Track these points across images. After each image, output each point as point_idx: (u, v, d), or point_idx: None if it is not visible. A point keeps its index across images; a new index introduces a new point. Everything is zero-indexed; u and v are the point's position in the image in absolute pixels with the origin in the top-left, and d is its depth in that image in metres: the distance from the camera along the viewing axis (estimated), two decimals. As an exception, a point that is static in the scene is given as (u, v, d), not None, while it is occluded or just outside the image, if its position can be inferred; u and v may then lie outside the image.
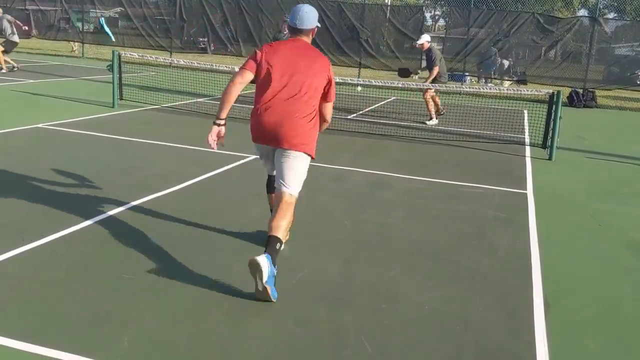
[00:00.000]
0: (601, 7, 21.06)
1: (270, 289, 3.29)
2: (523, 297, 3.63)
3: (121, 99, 10.43)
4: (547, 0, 29.51)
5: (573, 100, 15.83)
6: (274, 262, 3.37)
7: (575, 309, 3.55)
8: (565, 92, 14.66)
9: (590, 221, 5.40)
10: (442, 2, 37.53)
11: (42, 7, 24.90)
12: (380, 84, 10.07)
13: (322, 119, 3.96)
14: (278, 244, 3.47)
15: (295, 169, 3.73)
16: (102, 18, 23.44)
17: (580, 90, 16.09)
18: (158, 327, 2.99)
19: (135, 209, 4.82)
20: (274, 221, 3.56)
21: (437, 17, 49.59)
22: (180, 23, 21.44)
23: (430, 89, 10.44)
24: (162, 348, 2.80)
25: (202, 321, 3.07)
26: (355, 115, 11.16)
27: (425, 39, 11.09)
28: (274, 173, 3.92)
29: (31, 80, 13.54)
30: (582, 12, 32.05)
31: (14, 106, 9.62)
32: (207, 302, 3.30)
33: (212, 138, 3.98)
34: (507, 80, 19.21)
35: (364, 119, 10.65)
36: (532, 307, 3.49)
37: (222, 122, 3.94)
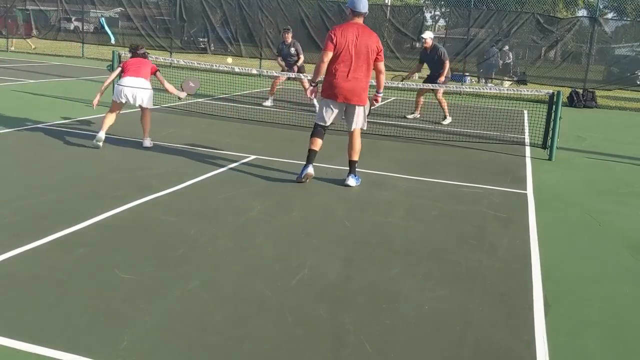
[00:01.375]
0: (601, 7, 21.04)
1: (358, 182, 5.94)
2: (523, 297, 3.63)
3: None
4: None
5: (573, 101, 15.82)
6: (355, 174, 5.92)
7: (575, 309, 3.55)
8: (565, 92, 14.66)
9: (590, 221, 5.40)
10: (442, 3, 37.52)
11: (42, 7, 24.91)
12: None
13: (379, 72, 5.83)
14: (355, 164, 5.90)
15: (361, 115, 5.84)
16: (103, 18, 23.46)
17: (580, 91, 16.08)
18: (158, 327, 2.99)
19: (135, 209, 4.82)
20: (351, 151, 5.89)
21: (437, 17, 49.59)
22: (181, 23, 21.44)
23: (441, 89, 10.62)
24: (162, 348, 2.80)
25: (202, 321, 3.08)
26: (355, 115, 11.15)
27: (430, 35, 11.05)
28: (327, 124, 5.85)
29: (31, 80, 13.54)
30: (582, 12, 32.04)
31: (14, 106, 9.62)
32: (207, 302, 3.30)
33: (311, 95, 6.12)
34: (507, 80, 19.21)
35: (364, 119, 10.65)
36: (532, 307, 3.50)
37: (315, 85, 5.97)
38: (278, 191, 5.67)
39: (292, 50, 11.56)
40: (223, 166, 6.44)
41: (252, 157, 6.99)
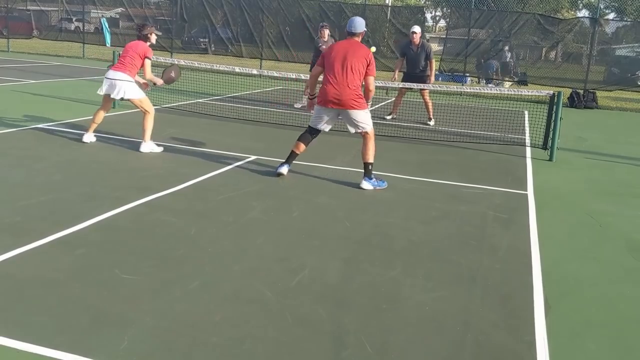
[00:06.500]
0: (602, 7, 21.03)
1: (379, 186, 5.95)
2: (523, 298, 3.63)
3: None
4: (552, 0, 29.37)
5: (574, 101, 15.82)
6: (370, 177, 5.94)
7: (575, 310, 3.55)
8: (566, 92, 14.64)
9: (590, 222, 5.39)
10: (443, 3, 37.54)
11: (43, 8, 24.91)
12: (381, 84, 10.05)
13: (367, 88, 5.94)
14: (370, 166, 5.94)
15: (361, 119, 5.88)
16: (104, 19, 23.48)
17: (581, 91, 16.07)
18: (158, 327, 2.99)
19: (135, 209, 4.82)
20: (365, 153, 5.95)
21: (437, 18, 49.59)
22: (181, 23, 21.45)
23: (427, 89, 10.34)
24: (162, 348, 2.80)
25: (203, 321, 3.07)
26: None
27: (419, 30, 10.54)
28: (318, 127, 6.08)
29: (32, 81, 13.55)
30: (583, 13, 32.04)
31: (15, 106, 9.62)
32: (207, 302, 3.30)
33: (310, 109, 6.36)
34: (508, 80, 19.20)
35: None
36: (532, 308, 3.49)
37: (313, 97, 6.20)
38: (278, 191, 5.67)
39: None
40: (223, 166, 6.44)
41: (253, 157, 6.99)
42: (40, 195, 5.00)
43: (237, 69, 10.39)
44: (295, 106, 11.70)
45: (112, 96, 6.94)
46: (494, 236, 4.77)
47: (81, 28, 24.19)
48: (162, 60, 12.33)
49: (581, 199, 6.22)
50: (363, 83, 5.92)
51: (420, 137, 9.21)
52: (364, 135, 5.97)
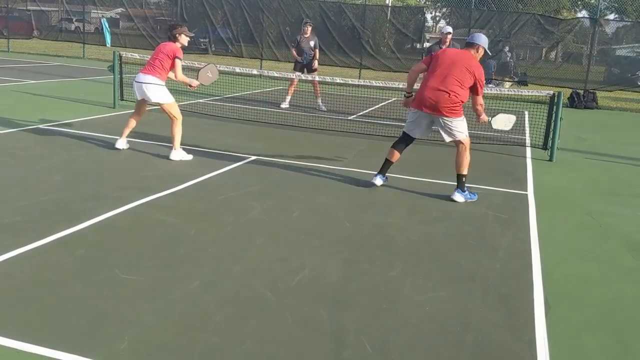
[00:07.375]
0: (602, 7, 21.04)
1: (470, 198, 5.68)
2: (523, 298, 3.63)
3: (122, 99, 10.43)
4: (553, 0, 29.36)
5: (574, 101, 15.82)
6: (463, 189, 5.68)
7: (575, 310, 3.55)
8: (566, 93, 14.63)
9: (590, 222, 5.39)
10: (443, 3, 37.52)
11: (43, 8, 24.91)
12: (381, 84, 10.05)
13: (473, 107, 5.85)
14: (464, 178, 5.69)
15: (454, 126, 5.65)
16: (104, 19, 23.50)
17: (581, 91, 16.07)
18: (158, 327, 2.99)
19: (135, 209, 4.82)
20: (458, 163, 5.70)
21: (437, 18, 49.57)
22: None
23: None
24: (162, 348, 2.80)
25: (203, 321, 3.07)
26: (355, 116, 11.16)
27: (451, 29, 10.18)
28: (412, 135, 5.89)
29: (32, 81, 13.55)
30: (583, 13, 32.05)
31: (15, 107, 9.62)
32: (208, 302, 3.30)
33: (405, 104, 6.10)
34: (508, 81, 19.20)
35: (364, 120, 10.65)
36: (532, 308, 3.49)
37: (409, 94, 6.00)
38: (278, 192, 5.67)
39: (312, 43, 11.40)
40: (223, 166, 6.44)
41: (253, 157, 6.99)
42: (40, 195, 5.00)
43: (237, 69, 10.39)
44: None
45: (142, 99, 6.71)
46: (494, 236, 4.77)
47: (81, 28, 24.22)
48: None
49: (581, 199, 6.22)
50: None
51: (421, 138, 9.18)
52: (457, 144, 5.72)
